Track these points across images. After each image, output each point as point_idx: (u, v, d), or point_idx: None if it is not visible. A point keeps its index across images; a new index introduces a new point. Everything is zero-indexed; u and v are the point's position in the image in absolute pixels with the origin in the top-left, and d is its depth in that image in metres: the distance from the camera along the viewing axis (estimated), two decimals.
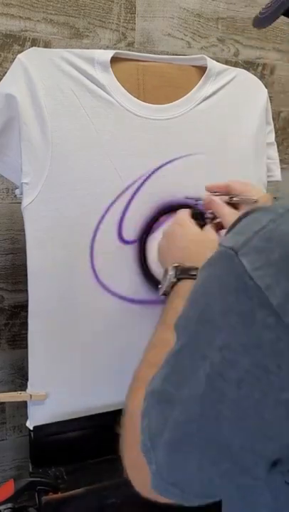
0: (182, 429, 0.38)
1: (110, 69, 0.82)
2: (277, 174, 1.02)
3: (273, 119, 1.00)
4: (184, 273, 0.63)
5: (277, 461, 0.36)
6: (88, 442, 0.90)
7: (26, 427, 0.88)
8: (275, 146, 1.01)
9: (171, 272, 0.64)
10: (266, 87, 0.97)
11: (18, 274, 1.08)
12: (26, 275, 0.83)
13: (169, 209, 0.88)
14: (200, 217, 0.74)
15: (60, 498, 0.81)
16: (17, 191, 0.84)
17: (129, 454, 0.48)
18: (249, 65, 1.23)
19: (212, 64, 0.89)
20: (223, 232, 0.75)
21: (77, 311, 0.86)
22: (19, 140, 0.79)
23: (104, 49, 0.84)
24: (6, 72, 0.80)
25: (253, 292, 0.33)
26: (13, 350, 1.11)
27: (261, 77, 1.13)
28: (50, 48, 1.02)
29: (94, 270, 0.86)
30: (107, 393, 0.89)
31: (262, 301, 0.33)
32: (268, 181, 0.98)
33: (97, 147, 0.83)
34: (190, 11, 1.15)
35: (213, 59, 0.90)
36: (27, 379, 0.86)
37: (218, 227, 0.74)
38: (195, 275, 0.62)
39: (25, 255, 0.82)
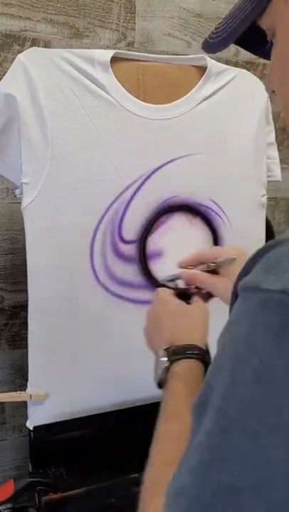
0: None
1: (110, 69, 0.82)
2: (277, 174, 1.02)
3: (273, 119, 1.00)
4: (178, 354, 0.57)
5: None
6: (88, 442, 0.90)
7: (26, 427, 0.88)
8: (275, 146, 1.01)
9: (162, 357, 0.57)
10: None
11: (18, 274, 1.08)
12: (26, 275, 0.83)
13: (169, 209, 0.88)
14: (185, 296, 0.69)
15: (60, 498, 0.81)
16: (17, 191, 0.84)
17: None
18: (249, 65, 1.23)
19: (212, 64, 0.89)
20: (215, 300, 0.71)
21: (77, 311, 0.86)
22: (19, 140, 0.79)
23: (104, 49, 0.84)
24: (6, 72, 0.80)
25: None
26: (13, 350, 1.11)
27: (261, 77, 1.12)
28: (50, 47, 1.02)
29: (94, 270, 0.86)
30: (107, 393, 0.89)
31: None
32: (268, 181, 0.98)
33: (97, 147, 0.83)
34: (190, 10, 1.15)
35: (213, 59, 0.90)
36: (27, 379, 0.86)
37: (206, 297, 0.71)
38: (190, 355, 0.57)
39: (25, 255, 0.82)
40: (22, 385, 1.09)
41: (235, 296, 0.35)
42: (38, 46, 1.01)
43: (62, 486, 0.83)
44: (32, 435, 0.87)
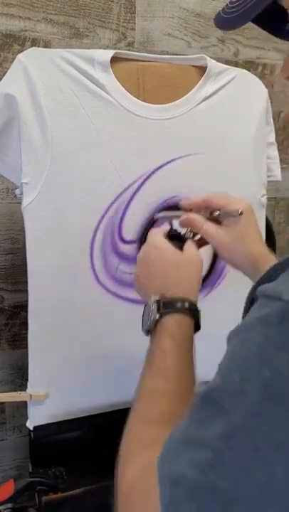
0: None
1: (110, 69, 0.82)
2: (277, 174, 1.02)
3: (273, 119, 1.00)
4: (167, 307, 0.56)
5: None
6: (88, 442, 0.90)
7: (26, 427, 0.88)
8: (275, 146, 1.01)
9: (153, 307, 0.56)
10: (266, 87, 0.97)
11: (18, 274, 1.08)
12: (26, 275, 0.83)
13: (168, 209, 0.88)
14: (178, 239, 0.66)
15: (60, 498, 0.81)
16: (17, 191, 0.84)
17: None
18: (249, 65, 1.23)
19: (212, 64, 0.89)
20: (205, 248, 0.69)
21: (77, 311, 0.86)
22: (19, 140, 0.79)
23: (104, 49, 0.84)
24: (6, 72, 0.80)
25: None
26: (13, 350, 1.11)
27: (261, 77, 1.12)
28: (50, 47, 1.02)
29: (94, 270, 0.86)
30: (107, 393, 0.89)
31: None
32: (268, 181, 0.98)
33: (97, 147, 0.83)
34: (190, 10, 1.15)
35: (213, 59, 0.90)
36: (27, 379, 0.86)
37: (200, 244, 0.68)
38: (181, 308, 0.56)
39: (25, 255, 0.82)
40: (22, 385, 1.09)
41: (252, 298, 0.34)
42: (38, 46, 1.01)
43: (62, 485, 0.83)
44: (32, 435, 0.87)
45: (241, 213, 0.65)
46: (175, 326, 0.55)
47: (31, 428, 0.86)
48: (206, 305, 0.64)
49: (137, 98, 0.85)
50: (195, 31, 1.16)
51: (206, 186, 0.90)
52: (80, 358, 0.87)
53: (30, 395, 0.85)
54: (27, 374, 0.86)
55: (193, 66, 0.90)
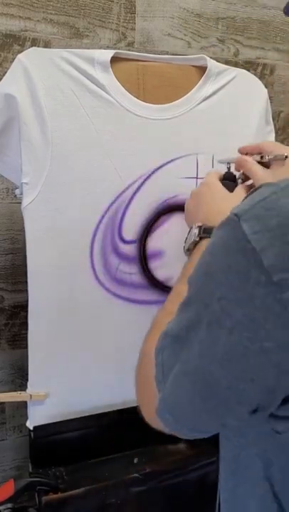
0: (184, 366, 0.44)
1: (110, 69, 0.82)
2: None
3: (273, 119, 1.00)
4: (206, 232, 0.64)
5: (258, 407, 0.41)
6: (88, 442, 0.90)
7: (26, 427, 0.88)
8: None
9: (195, 231, 0.65)
10: (266, 87, 0.97)
11: (18, 274, 1.08)
12: (26, 275, 0.83)
13: (168, 209, 0.88)
14: (231, 179, 0.73)
15: (60, 498, 0.81)
16: (17, 191, 0.84)
17: (142, 388, 0.52)
18: (249, 65, 1.23)
19: (212, 64, 0.89)
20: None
21: (77, 311, 0.86)
22: (19, 140, 0.79)
23: (104, 49, 0.84)
24: (6, 72, 0.80)
25: (249, 253, 0.38)
26: (13, 350, 1.11)
27: (261, 77, 1.13)
28: (50, 47, 1.02)
29: (94, 270, 0.86)
30: (107, 393, 0.89)
31: (256, 262, 0.37)
32: None
33: (97, 147, 0.83)
34: (190, 10, 1.15)
35: (213, 59, 0.90)
36: (27, 379, 0.86)
37: (250, 188, 0.72)
38: None
39: (25, 255, 0.82)
40: (22, 385, 1.09)
41: None
42: (38, 46, 1.01)
43: (62, 485, 0.83)
44: (32, 435, 0.87)
45: (286, 157, 0.68)
46: None
47: (31, 428, 0.86)
48: None
49: (137, 98, 0.85)
50: (195, 31, 1.16)
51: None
52: (79, 358, 0.87)
53: (30, 395, 0.85)
54: (27, 374, 0.86)
55: (193, 66, 0.90)
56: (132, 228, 0.87)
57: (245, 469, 0.51)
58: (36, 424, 0.86)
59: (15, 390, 1.00)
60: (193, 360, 0.43)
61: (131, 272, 0.88)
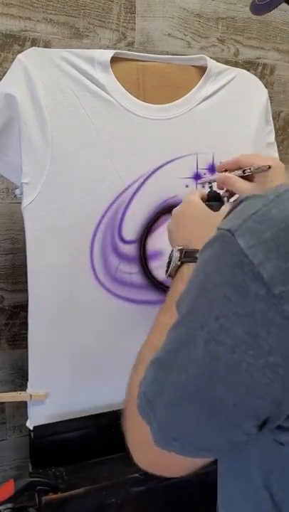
0: (181, 388, 0.42)
1: (110, 69, 0.82)
2: None
3: (273, 119, 1.00)
4: (188, 256, 0.63)
5: (267, 420, 0.40)
6: (88, 442, 0.90)
7: (26, 427, 0.88)
8: (275, 146, 1.01)
9: (176, 254, 0.64)
10: (266, 87, 0.97)
11: (18, 274, 1.08)
12: (26, 275, 0.83)
13: (168, 209, 0.88)
14: (216, 198, 0.71)
15: (60, 498, 0.81)
16: (17, 191, 0.84)
17: (132, 432, 0.51)
18: (249, 65, 1.23)
19: (212, 64, 0.89)
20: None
21: (77, 311, 0.86)
22: (19, 140, 0.79)
23: (104, 49, 0.84)
24: (6, 72, 0.80)
25: (247, 267, 0.37)
26: (13, 350, 1.11)
27: (261, 77, 1.13)
28: (50, 47, 1.02)
29: (94, 270, 0.86)
30: (106, 393, 0.89)
31: (255, 275, 0.37)
32: None
33: (97, 147, 0.83)
34: (190, 10, 1.15)
35: (213, 59, 0.90)
36: (27, 379, 0.86)
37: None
38: None
39: (25, 255, 0.82)
40: (22, 385, 1.09)
41: None
42: (38, 46, 1.01)
43: (62, 485, 0.83)
44: (32, 435, 0.87)
45: (269, 167, 0.68)
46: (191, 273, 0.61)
47: (31, 428, 0.86)
48: None
49: (137, 98, 0.85)
50: (195, 31, 1.16)
51: (206, 186, 0.90)
52: (79, 358, 0.87)
53: (30, 395, 0.85)
54: (27, 374, 0.86)
55: (193, 66, 0.90)
56: (132, 228, 0.87)
57: (242, 476, 0.50)
58: (36, 424, 0.86)
59: (15, 390, 1.00)
60: (191, 381, 0.41)
61: (131, 272, 0.88)
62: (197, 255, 0.61)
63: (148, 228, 0.88)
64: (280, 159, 1.02)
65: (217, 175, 0.74)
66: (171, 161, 0.88)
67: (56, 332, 0.85)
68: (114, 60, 0.83)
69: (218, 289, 0.40)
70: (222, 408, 0.40)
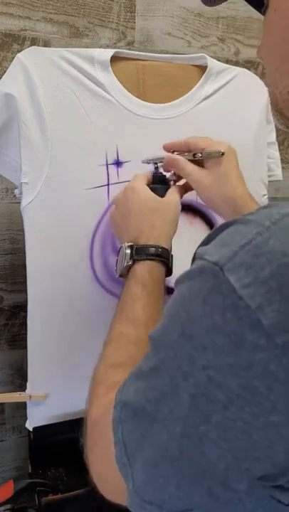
0: (162, 449, 0.36)
1: (110, 68, 0.82)
2: (278, 174, 1.02)
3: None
4: (140, 253, 0.57)
5: (262, 477, 0.35)
6: None
7: (26, 428, 0.88)
8: (276, 146, 1.01)
9: (126, 251, 0.58)
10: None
11: (17, 274, 1.07)
12: (26, 275, 0.83)
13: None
14: (162, 182, 0.66)
15: (60, 499, 0.81)
16: (16, 191, 0.84)
17: (99, 466, 0.46)
18: (250, 64, 1.22)
19: (212, 63, 0.89)
20: (189, 194, 0.68)
21: (76, 311, 0.85)
22: (18, 139, 0.79)
23: (104, 48, 0.84)
24: (5, 72, 0.79)
25: (242, 312, 0.31)
26: (12, 351, 1.11)
27: (262, 77, 1.12)
28: (50, 47, 1.02)
29: (94, 270, 0.85)
30: None
31: (253, 322, 0.31)
32: (269, 181, 0.98)
33: (96, 146, 0.82)
34: (190, 10, 1.15)
35: (213, 58, 0.90)
36: (26, 379, 0.86)
37: (183, 189, 0.67)
38: (153, 256, 0.57)
39: (25, 255, 0.82)
40: (21, 386, 1.09)
41: (193, 257, 0.39)
42: (38, 45, 1.01)
43: (62, 486, 0.83)
44: (31, 436, 0.86)
45: (223, 154, 0.64)
46: (146, 273, 0.57)
47: (31, 429, 0.86)
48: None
49: (137, 97, 0.84)
50: (195, 30, 1.16)
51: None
52: (79, 358, 0.87)
53: (30, 396, 0.85)
54: (26, 374, 0.86)
55: (193, 65, 0.89)
56: None
57: None
58: (36, 425, 0.86)
59: (14, 391, 0.99)
60: (175, 441, 0.35)
61: None
62: (152, 252, 0.57)
63: None
64: (281, 159, 1.02)
65: (165, 155, 0.68)
66: None
67: (56, 332, 0.84)
68: (114, 59, 0.82)
69: (206, 335, 0.33)
70: (211, 472, 0.35)
